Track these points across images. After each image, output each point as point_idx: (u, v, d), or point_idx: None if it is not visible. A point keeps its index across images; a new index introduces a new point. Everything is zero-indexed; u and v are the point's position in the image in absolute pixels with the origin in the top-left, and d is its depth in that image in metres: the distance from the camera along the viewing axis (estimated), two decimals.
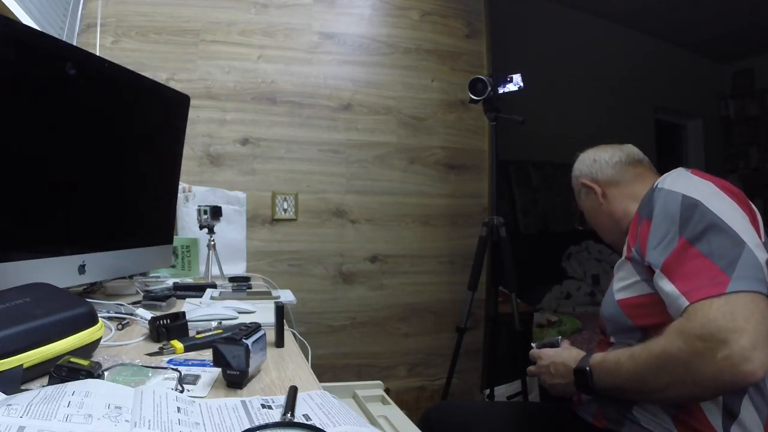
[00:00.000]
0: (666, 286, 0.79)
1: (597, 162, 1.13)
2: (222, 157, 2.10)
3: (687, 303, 0.75)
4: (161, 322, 0.87)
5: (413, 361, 2.35)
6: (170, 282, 1.48)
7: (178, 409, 0.54)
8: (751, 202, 0.88)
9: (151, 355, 0.79)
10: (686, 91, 4.64)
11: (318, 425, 0.53)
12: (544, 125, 3.31)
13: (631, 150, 1.13)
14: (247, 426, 0.52)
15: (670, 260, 0.80)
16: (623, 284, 0.93)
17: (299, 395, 0.61)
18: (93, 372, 0.58)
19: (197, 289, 1.35)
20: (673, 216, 0.83)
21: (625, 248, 0.96)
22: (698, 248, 0.78)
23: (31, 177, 0.93)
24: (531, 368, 1.06)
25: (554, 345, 1.05)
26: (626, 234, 0.99)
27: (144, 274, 1.56)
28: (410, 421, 0.79)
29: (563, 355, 0.99)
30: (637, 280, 0.90)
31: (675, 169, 0.95)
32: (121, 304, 1.06)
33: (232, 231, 1.98)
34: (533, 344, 1.08)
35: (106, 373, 0.64)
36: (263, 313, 1.11)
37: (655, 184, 0.93)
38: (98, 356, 0.73)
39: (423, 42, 2.39)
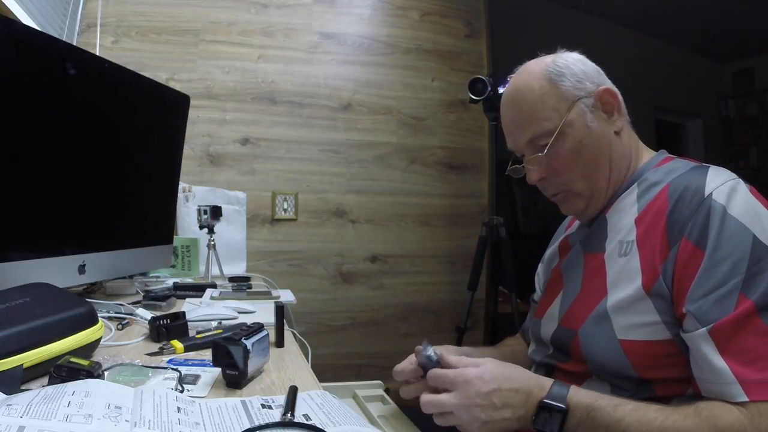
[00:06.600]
0: (713, 357, 0.60)
1: (600, 73, 0.86)
2: (222, 157, 2.10)
3: (746, 399, 0.58)
4: (161, 322, 0.87)
5: None
6: (170, 282, 1.48)
7: (178, 409, 0.54)
8: None
9: (151, 355, 0.79)
10: (686, 91, 4.64)
11: (318, 425, 0.53)
12: None
13: None
14: (247, 426, 0.52)
15: (725, 325, 0.60)
16: (632, 321, 0.68)
17: (299, 395, 0.61)
18: (93, 372, 0.58)
19: (197, 289, 1.35)
20: (738, 261, 0.62)
21: (636, 267, 0.70)
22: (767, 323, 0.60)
23: (31, 177, 0.93)
24: (438, 398, 0.64)
25: (432, 364, 0.67)
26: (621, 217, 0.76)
27: (144, 274, 1.56)
28: (410, 421, 0.79)
29: (512, 375, 0.64)
30: (654, 321, 0.67)
31: (722, 173, 0.70)
32: (121, 304, 1.06)
33: (232, 231, 1.98)
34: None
35: (106, 373, 0.64)
36: (263, 313, 1.11)
37: (705, 188, 0.67)
38: (98, 356, 0.73)
39: (423, 42, 2.39)
